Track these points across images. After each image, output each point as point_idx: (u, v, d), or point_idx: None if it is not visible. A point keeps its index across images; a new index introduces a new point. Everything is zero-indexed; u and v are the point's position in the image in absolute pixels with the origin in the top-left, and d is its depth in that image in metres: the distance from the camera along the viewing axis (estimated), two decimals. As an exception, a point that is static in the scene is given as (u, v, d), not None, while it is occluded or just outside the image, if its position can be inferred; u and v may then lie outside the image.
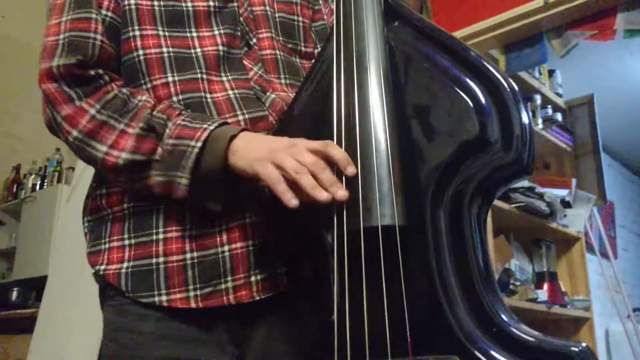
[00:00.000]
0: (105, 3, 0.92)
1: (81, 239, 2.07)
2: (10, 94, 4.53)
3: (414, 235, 0.74)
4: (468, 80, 0.76)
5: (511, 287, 2.48)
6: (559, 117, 3.06)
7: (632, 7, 2.10)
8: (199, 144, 0.81)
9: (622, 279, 4.18)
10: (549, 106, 3.02)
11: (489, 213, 2.20)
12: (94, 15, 0.91)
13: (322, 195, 0.73)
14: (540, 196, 2.63)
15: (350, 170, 0.75)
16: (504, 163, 0.73)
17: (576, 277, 2.98)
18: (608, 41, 2.16)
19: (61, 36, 0.89)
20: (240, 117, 0.91)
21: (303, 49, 1.05)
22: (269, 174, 0.77)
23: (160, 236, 0.88)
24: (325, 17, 1.12)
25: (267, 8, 1.03)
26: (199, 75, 0.92)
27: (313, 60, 1.01)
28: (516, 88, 0.76)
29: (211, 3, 0.96)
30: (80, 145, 0.85)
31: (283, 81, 0.99)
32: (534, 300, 2.49)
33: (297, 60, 1.04)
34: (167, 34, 0.93)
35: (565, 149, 3.13)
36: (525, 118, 0.74)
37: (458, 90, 0.76)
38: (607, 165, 4.47)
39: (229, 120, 0.89)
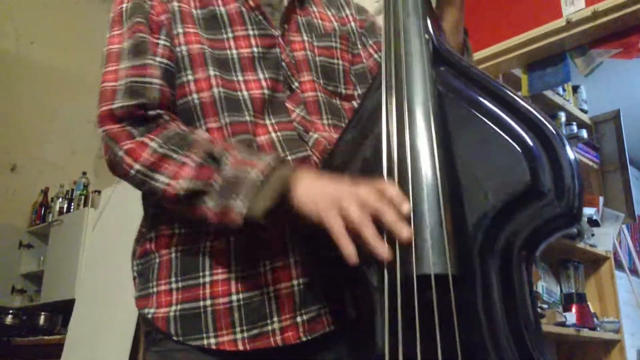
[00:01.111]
0: (160, 50, 0.96)
1: (107, 266, 2.07)
2: (38, 118, 4.63)
3: (464, 284, 0.73)
4: (516, 126, 0.76)
5: (539, 310, 2.43)
6: (584, 133, 3.02)
7: (658, 24, 2.06)
8: (259, 175, 0.81)
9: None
10: (574, 123, 2.97)
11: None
12: (151, 62, 0.94)
13: (384, 251, 0.72)
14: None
15: (406, 207, 0.74)
16: (555, 214, 0.72)
17: (605, 298, 2.91)
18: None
19: (120, 82, 0.92)
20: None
21: (343, 91, 1.07)
22: (332, 225, 0.75)
23: (207, 279, 0.89)
24: (364, 60, 1.13)
25: (308, 52, 1.05)
26: (247, 119, 0.94)
27: (353, 102, 1.06)
28: (562, 133, 0.76)
29: (255, 49, 1.00)
30: (142, 178, 0.87)
31: (325, 121, 1.01)
32: (563, 324, 2.43)
33: (338, 102, 1.05)
34: (217, 73, 0.96)
35: (591, 166, 3.07)
36: (574, 165, 0.73)
37: (506, 136, 0.76)
38: (634, 179, 4.39)
39: None
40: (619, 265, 3.20)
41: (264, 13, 1.03)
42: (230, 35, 1.00)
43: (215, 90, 0.95)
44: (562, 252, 2.79)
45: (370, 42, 1.14)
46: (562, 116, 2.87)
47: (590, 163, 3.06)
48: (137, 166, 0.86)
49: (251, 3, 1.02)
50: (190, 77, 0.96)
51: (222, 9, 1.02)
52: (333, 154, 0.93)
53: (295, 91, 1.01)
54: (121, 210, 2.13)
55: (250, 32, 1.01)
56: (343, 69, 1.08)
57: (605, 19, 2.09)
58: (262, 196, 0.79)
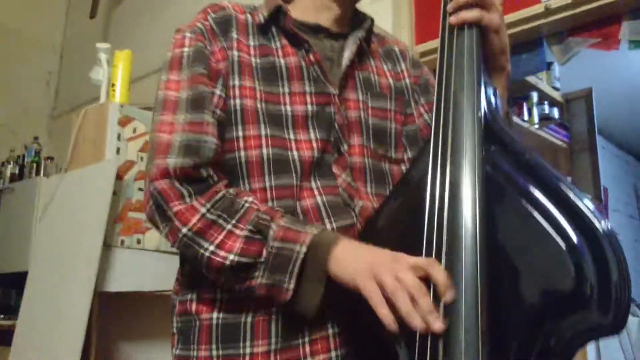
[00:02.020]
0: (216, 100, 0.95)
1: (58, 262, 1.95)
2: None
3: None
4: (565, 223, 0.71)
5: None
6: (555, 112, 2.96)
7: (638, 15, 1.96)
8: (304, 249, 0.83)
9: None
10: (546, 102, 2.90)
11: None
12: (209, 118, 0.93)
13: (417, 323, 0.73)
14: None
15: (450, 296, 0.73)
16: (598, 325, 0.67)
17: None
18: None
19: (177, 137, 0.91)
20: (328, 226, 0.92)
21: (393, 155, 1.06)
22: (370, 292, 0.77)
23: (247, 350, 0.90)
24: (416, 120, 1.11)
25: (362, 113, 1.03)
26: (293, 182, 0.94)
27: (402, 166, 1.06)
28: (616, 236, 0.69)
29: (309, 108, 0.98)
30: (188, 242, 0.87)
31: (369, 189, 1.00)
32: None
33: (386, 165, 1.04)
34: (269, 133, 0.95)
35: (560, 146, 3.03)
36: (626, 276, 0.67)
37: (553, 232, 0.71)
38: (601, 148, 4.39)
39: None
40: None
41: (322, 68, 1.01)
42: (286, 90, 0.99)
43: (264, 150, 0.94)
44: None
45: (422, 101, 1.12)
46: (535, 96, 2.80)
47: (559, 142, 3.01)
48: (184, 230, 0.87)
49: (312, 57, 1.01)
50: (240, 134, 0.95)
51: (282, 60, 1.00)
52: (376, 222, 0.92)
53: (343, 154, 0.99)
54: (69, 201, 2.00)
55: (307, 89, 1.00)
56: (395, 131, 1.07)
57: (585, 8, 1.99)
58: (307, 271, 0.83)
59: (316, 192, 0.95)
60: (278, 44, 1.02)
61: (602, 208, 3.20)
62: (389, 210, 0.91)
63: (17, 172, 3.93)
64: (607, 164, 4.44)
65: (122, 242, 1.91)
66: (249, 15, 1.04)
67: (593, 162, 2.96)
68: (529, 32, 2.15)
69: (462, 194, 0.78)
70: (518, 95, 2.56)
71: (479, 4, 0.89)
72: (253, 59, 0.99)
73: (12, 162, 3.98)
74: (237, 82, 0.97)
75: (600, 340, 3.66)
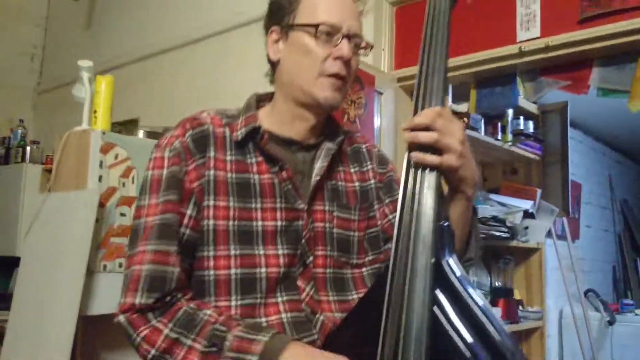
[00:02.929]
0: (186, 221, 1.02)
1: (42, 286, 2.04)
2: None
3: None
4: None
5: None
6: (530, 125, 3.03)
7: (609, 63, 2.03)
8: (255, 358, 0.90)
9: (581, 256, 4.34)
10: (521, 117, 2.98)
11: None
12: (174, 248, 1.01)
13: None
14: (502, 222, 2.66)
15: None
16: None
17: (532, 288, 3.09)
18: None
19: (145, 268, 0.99)
20: None
21: (355, 261, 1.13)
22: None
23: None
24: (378, 221, 1.18)
25: (327, 225, 1.11)
26: (258, 300, 1.02)
27: (363, 269, 1.14)
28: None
29: (279, 223, 1.06)
30: None
31: (331, 298, 1.08)
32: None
33: (348, 271, 1.12)
34: (238, 252, 1.03)
35: (533, 159, 3.12)
36: None
37: None
38: (578, 142, 4.50)
39: None
40: (549, 235, 3.35)
41: (294, 184, 1.08)
42: (259, 205, 1.05)
43: (232, 271, 1.02)
44: (495, 249, 2.90)
45: (387, 200, 1.19)
46: (510, 113, 2.86)
47: (533, 156, 3.10)
48: (152, 352, 0.96)
49: (284, 175, 1.07)
50: (211, 253, 1.03)
51: (256, 177, 1.07)
52: (334, 335, 1.02)
53: (309, 266, 1.07)
54: (52, 223, 2.07)
55: (278, 205, 1.06)
56: (357, 239, 1.14)
57: (556, 53, 2.04)
58: None
59: (281, 308, 1.03)
60: (253, 160, 1.08)
61: (568, 216, 3.31)
62: (346, 334, 1.00)
63: (3, 153, 3.97)
64: (583, 157, 4.56)
65: (105, 267, 1.99)
66: (227, 129, 1.10)
67: (563, 175, 3.07)
68: (503, 69, 2.21)
69: (412, 334, 0.88)
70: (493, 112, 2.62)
71: (437, 148, 0.93)
72: (229, 174, 1.06)
73: (-2, 144, 4.01)
74: (211, 202, 1.03)
75: (562, 337, 3.87)
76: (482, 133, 2.73)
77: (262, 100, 1.19)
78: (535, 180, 3.15)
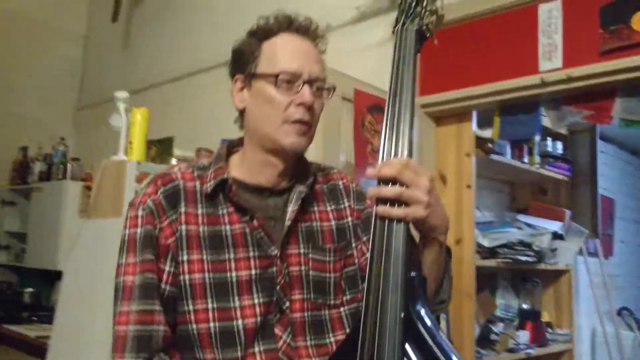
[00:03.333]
0: (165, 277, 1.06)
1: (80, 310, 2.15)
2: (16, 72, 4.52)
3: None
4: None
5: (492, 337, 2.59)
6: (559, 146, 3.02)
7: (632, 94, 2.02)
8: None
9: (615, 273, 4.27)
10: (549, 138, 2.97)
11: (473, 270, 2.24)
12: (157, 307, 1.04)
13: None
14: (528, 246, 2.67)
15: None
16: None
17: (562, 309, 3.07)
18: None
19: (131, 328, 1.02)
20: None
21: (332, 302, 1.15)
22: None
23: None
24: (356, 260, 1.19)
25: (303, 267, 1.13)
26: (238, 353, 1.05)
27: (341, 309, 1.15)
28: None
29: (253, 272, 1.08)
30: None
31: (309, 343, 1.10)
32: (513, 351, 2.60)
33: (326, 312, 1.14)
34: (215, 306, 1.06)
35: (562, 180, 3.11)
36: None
37: None
38: (611, 157, 4.42)
39: None
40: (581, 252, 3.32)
41: (266, 231, 1.10)
42: (232, 256, 1.08)
43: (211, 324, 1.05)
44: (524, 272, 2.90)
45: (364, 238, 1.19)
46: (537, 136, 2.86)
47: (561, 177, 3.09)
48: None
49: (255, 223, 1.10)
50: (191, 307, 1.06)
51: (228, 227, 1.10)
52: None
53: (285, 312, 1.09)
54: (91, 249, 2.19)
55: (251, 254, 1.09)
56: (334, 280, 1.15)
57: (578, 84, 2.05)
58: None
59: (259, 358, 1.05)
60: (225, 211, 1.11)
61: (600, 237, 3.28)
62: None
63: (45, 169, 4.14)
64: (617, 172, 4.48)
65: (138, 291, 2.10)
66: (197, 183, 1.13)
67: (593, 196, 3.05)
68: (525, 98, 2.22)
69: None
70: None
71: (401, 201, 0.94)
72: (201, 228, 1.09)
73: (40, 160, 4.18)
74: (185, 258, 1.07)
75: (594, 356, 3.82)
76: (508, 156, 2.74)
77: (234, 146, 1.22)
78: (564, 201, 3.14)
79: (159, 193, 1.10)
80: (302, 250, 1.14)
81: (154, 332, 1.03)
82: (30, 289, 3.67)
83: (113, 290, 1.07)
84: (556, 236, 2.98)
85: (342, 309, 1.15)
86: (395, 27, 1.09)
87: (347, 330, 1.14)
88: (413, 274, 0.97)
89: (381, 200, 0.96)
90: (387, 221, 0.96)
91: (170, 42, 4.04)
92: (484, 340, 2.53)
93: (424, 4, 1.08)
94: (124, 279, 1.05)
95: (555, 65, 2.08)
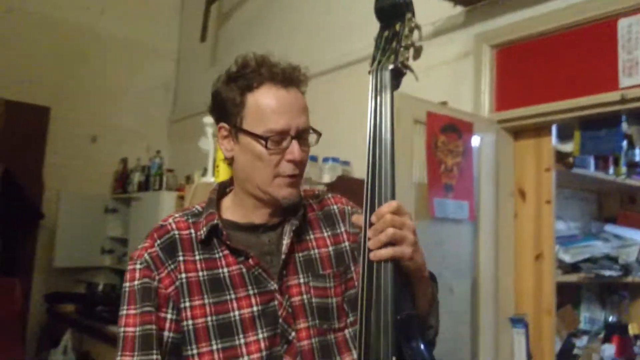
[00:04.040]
0: (167, 325, 1.10)
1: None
2: (114, 88, 4.88)
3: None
4: None
5: (575, 352, 2.55)
6: (648, 153, 2.91)
7: None
8: None
9: None
10: (638, 147, 2.86)
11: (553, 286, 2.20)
12: (154, 357, 1.08)
13: None
14: (614, 260, 2.60)
15: None
16: None
17: (651, 322, 2.96)
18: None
19: None
20: None
21: (336, 325, 1.18)
22: None
23: None
24: (355, 283, 1.21)
25: (304, 296, 1.16)
26: None
27: (346, 331, 1.18)
28: None
29: (255, 308, 1.12)
30: None
31: None
32: (597, 366, 2.56)
33: (332, 336, 1.17)
34: (220, 347, 1.09)
35: (652, 189, 2.99)
36: None
37: None
38: None
39: None
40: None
41: (262, 267, 1.14)
42: (233, 296, 1.12)
43: None
44: (610, 283, 2.83)
45: None
46: (623, 146, 2.77)
47: (651, 186, 2.97)
48: None
49: (251, 262, 1.14)
50: (195, 351, 1.09)
51: (225, 270, 1.13)
52: None
53: (292, 342, 1.12)
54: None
55: (251, 292, 1.13)
56: (336, 304, 1.19)
57: (663, 100, 1.99)
58: None
59: None
60: (220, 254, 1.14)
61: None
62: None
63: (143, 180, 4.46)
64: None
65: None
66: (192, 231, 1.16)
67: (686, 205, 2.91)
68: (606, 114, 2.18)
69: None
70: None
71: (391, 242, 0.98)
72: (200, 273, 1.12)
73: (138, 172, 4.51)
74: (187, 304, 1.10)
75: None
76: (592, 169, 2.68)
77: (226, 186, 1.26)
78: (655, 211, 3.02)
79: (155, 246, 1.13)
80: (302, 280, 1.17)
81: None
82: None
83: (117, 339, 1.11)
84: (645, 248, 2.87)
85: (346, 331, 1.18)
86: (371, 65, 1.07)
87: (354, 352, 1.16)
88: (404, 313, 0.99)
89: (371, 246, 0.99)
90: (374, 264, 0.99)
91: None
92: (566, 355, 2.50)
93: (400, 38, 1.04)
94: (125, 329, 1.09)
95: (636, 82, 2.03)
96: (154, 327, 1.09)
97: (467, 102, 2.55)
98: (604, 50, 2.13)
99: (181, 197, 3.92)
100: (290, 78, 1.16)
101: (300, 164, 1.15)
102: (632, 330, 2.90)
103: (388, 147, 1.01)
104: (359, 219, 1.02)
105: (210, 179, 2.40)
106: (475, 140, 2.32)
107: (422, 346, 1.00)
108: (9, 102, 4.21)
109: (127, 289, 1.12)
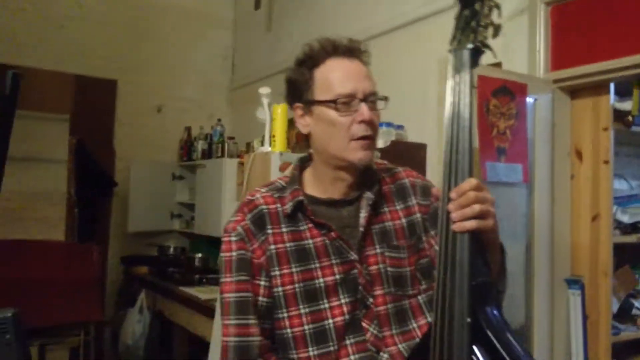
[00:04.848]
0: (261, 291, 1.23)
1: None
2: (176, 59, 5.03)
3: None
4: None
5: (633, 312, 2.53)
6: None
7: None
8: None
9: None
10: None
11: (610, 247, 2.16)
12: (252, 321, 1.21)
13: None
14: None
15: None
16: None
17: None
18: None
19: (230, 339, 1.21)
20: None
21: (410, 292, 1.28)
22: None
23: None
24: (427, 252, 1.30)
25: (381, 266, 1.26)
26: (332, 348, 1.20)
27: (419, 297, 1.28)
28: None
29: (337, 276, 1.23)
30: None
31: (394, 331, 1.24)
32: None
33: (406, 302, 1.27)
34: (307, 310, 1.21)
35: None
36: None
37: None
38: None
39: None
40: None
41: (343, 239, 1.24)
42: (317, 265, 1.23)
43: (305, 327, 1.21)
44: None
45: (432, 231, 1.30)
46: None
47: None
48: None
49: (332, 235, 1.24)
50: (285, 315, 1.22)
51: (310, 241, 1.25)
52: None
53: (370, 307, 1.24)
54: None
55: (333, 261, 1.24)
56: (410, 273, 1.28)
57: None
58: None
59: (350, 350, 1.20)
60: (305, 227, 1.25)
61: None
62: None
63: (206, 148, 4.62)
64: None
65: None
66: (278, 205, 1.27)
67: None
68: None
69: None
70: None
71: (477, 216, 1.01)
72: (287, 244, 1.24)
73: (202, 140, 4.68)
74: (277, 272, 1.22)
75: None
76: (654, 126, 2.59)
77: (305, 162, 1.35)
78: None
79: (246, 219, 1.25)
80: (378, 250, 1.27)
81: (251, 342, 1.20)
82: (199, 254, 4.18)
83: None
84: None
85: (419, 297, 1.27)
86: (451, 44, 1.09)
87: (428, 315, 1.26)
88: (479, 280, 1.04)
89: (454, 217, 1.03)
90: (452, 235, 1.03)
91: (308, 24, 4.25)
92: (625, 315, 2.49)
93: (479, 17, 1.05)
94: (224, 296, 1.23)
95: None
96: (249, 294, 1.22)
97: (522, 62, 2.51)
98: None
99: (242, 164, 4.07)
100: (351, 50, 1.25)
101: (371, 125, 1.22)
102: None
103: (466, 125, 1.04)
104: (439, 191, 1.07)
105: (267, 148, 2.50)
106: (529, 102, 2.29)
107: (494, 311, 1.07)
108: (78, 76, 4.44)
109: (223, 259, 1.24)
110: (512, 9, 2.58)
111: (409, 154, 2.67)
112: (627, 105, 2.35)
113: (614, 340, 2.34)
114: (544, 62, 2.45)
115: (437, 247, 1.21)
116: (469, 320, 1.01)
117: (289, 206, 1.25)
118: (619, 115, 2.38)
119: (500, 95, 2.19)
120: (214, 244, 4.46)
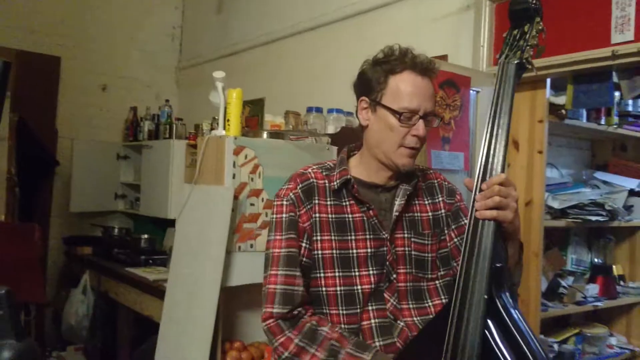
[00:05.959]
0: (302, 251, 1.41)
1: (192, 263, 2.51)
2: (122, 37, 4.94)
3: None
4: None
5: (560, 290, 2.75)
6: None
7: None
8: None
9: None
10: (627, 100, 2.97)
11: (541, 230, 2.36)
12: (298, 273, 1.38)
13: None
14: (601, 205, 2.76)
15: None
16: None
17: (636, 263, 3.14)
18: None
19: (278, 287, 1.37)
20: (377, 343, 1.36)
21: (429, 275, 1.46)
22: None
23: None
24: (448, 243, 1.49)
25: (406, 248, 1.45)
26: (357, 310, 1.38)
27: (436, 282, 1.46)
28: None
29: (369, 250, 1.41)
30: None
31: (411, 306, 1.42)
32: (581, 303, 2.75)
33: (424, 284, 1.45)
34: (340, 274, 1.39)
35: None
36: None
37: None
38: None
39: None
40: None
41: (378, 219, 1.42)
42: (353, 237, 1.41)
43: (338, 288, 1.39)
44: (597, 228, 2.99)
45: (453, 226, 1.50)
46: (617, 96, 2.87)
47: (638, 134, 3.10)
48: (285, 354, 1.34)
49: (371, 213, 1.42)
50: (322, 275, 1.40)
51: (350, 216, 1.43)
52: (407, 350, 1.33)
53: (393, 282, 1.41)
54: (197, 211, 2.54)
55: (367, 236, 1.42)
56: (431, 259, 1.47)
57: (651, 57, 2.09)
58: None
59: (371, 314, 1.38)
60: (347, 203, 1.44)
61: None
62: (418, 345, 1.31)
63: (153, 129, 4.58)
64: None
65: (239, 247, 2.44)
66: (326, 181, 1.45)
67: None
68: (597, 69, 2.29)
69: (467, 348, 1.14)
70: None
71: (497, 207, 1.16)
72: (330, 215, 1.42)
73: (148, 120, 4.63)
74: (318, 237, 1.40)
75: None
76: (584, 119, 2.80)
77: (352, 150, 1.55)
78: (644, 158, 3.15)
79: (298, 188, 1.43)
80: (406, 235, 1.45)
81: (295, 291, 1.36)
82: (145, 235, 4.17)
83: (264, 259, 1.42)
84: (634, 193, 3.03)
85: (437, 282, 1.46)
86: (499, 58, 1.23)
87: (442, 297, 1.43)
88: (499, 265, 1.18)
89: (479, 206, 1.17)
90: (480, 222, 1.17)
91: (262, 7, 4.27)
92: (552, 293, 2.70)
93: (527, 37, 1.21)
94: (273, 251, 1.40)
95: (627, 38, 2.14)
96: (296, 250, 1.40)
97: (466, 55, 2.65)
98: (597, 6, 2.22)
99: (191, 145, 4.07)
100: (427, 68, 1.39)
101: (422, 140, 1.39)
102: (616, 271, 3.10)
103: (505, 130, 1.18)
104: (470, 182, 1.20)
105: (221, 132, 2.53)
106: (472, 94, 2.44)
107: (509, 298, 1.20)
108: (20, 52, 4.30)
109: (275, 219, 1.43)
110: (459, 5, 2.71)
111: (357, 139, 2.78)
112: (561, 100, 2.53)
113: (542, 316, 2.55)
114: (487, 57, 2.60)
115: (456, 240, 1.46)
116: (486, 296, 1.15)
117: (336, 182, 1.43)
118: (554, 109, 2.56)
119: (446, 88, 2.32)
120: (160, 224, 4.49)
